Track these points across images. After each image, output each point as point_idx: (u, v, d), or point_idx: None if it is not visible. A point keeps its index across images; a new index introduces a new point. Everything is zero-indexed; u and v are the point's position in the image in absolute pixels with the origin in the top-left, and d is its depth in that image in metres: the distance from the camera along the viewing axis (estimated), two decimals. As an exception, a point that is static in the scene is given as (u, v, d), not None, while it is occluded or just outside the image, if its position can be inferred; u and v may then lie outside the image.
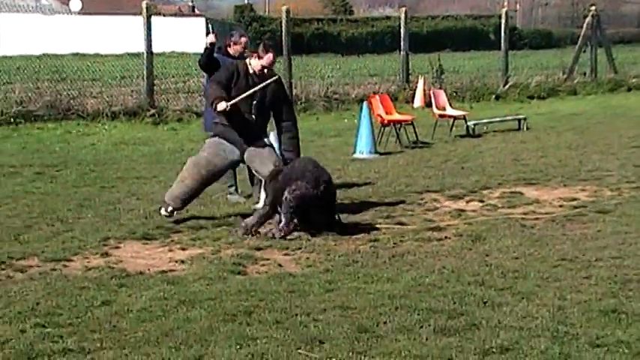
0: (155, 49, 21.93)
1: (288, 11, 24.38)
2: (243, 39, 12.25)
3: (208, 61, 11.93)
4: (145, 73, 21.64)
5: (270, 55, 10.69)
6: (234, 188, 12.38)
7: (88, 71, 26.55)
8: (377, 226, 10.51)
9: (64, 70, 25.08)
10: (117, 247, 9.55)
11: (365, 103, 17.32)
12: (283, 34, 24.05)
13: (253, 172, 11.20)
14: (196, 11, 73.42)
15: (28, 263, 8.82)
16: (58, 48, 47.04)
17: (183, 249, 9.50)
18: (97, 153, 16.82)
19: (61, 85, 22.42)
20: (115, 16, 57.54)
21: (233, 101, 10.40)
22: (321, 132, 19.88)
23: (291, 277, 8.30)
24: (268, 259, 9.03)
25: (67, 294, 7.74)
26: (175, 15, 64.25)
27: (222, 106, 10.30)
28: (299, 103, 23.53)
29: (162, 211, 10.73)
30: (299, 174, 10.15)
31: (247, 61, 10.85)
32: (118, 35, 50.66)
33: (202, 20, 58.57)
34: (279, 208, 10.06)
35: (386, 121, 17.92)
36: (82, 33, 53.77)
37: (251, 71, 10.71)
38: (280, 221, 10.01)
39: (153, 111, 21.12)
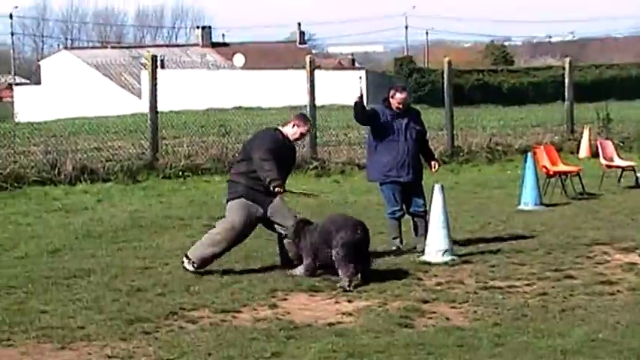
0: (317, 102, 22.23)
1: (449, 62, 24.39)
2: (398, 95, 12.26)
3: (360, 115, 12.21)
4: (308, 126, 21.89)
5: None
6: (398, 240, 12.34)
7: (251, 125, 27.06)
8: (545, 279, 10.31)
9: (228, 123, 25.65)
10: (284, 299, 9.64)
11: (529, 154, 17.09)
12: (445, 84, 24.06)
13: (275, 226, 11.10)
14: (356, 64, 74.31)
15: (199, 314, 9.00)
16: (222, 102, 48.28)
17: (349, 301, 9.53)
18: (263, 205, 17.06)
19: (226, 139, 22.91)
20: (275, 70, 58.77)
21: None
22: (484, 183, 19.71)
23: (459, 331, 8.22)
24: (435, 312, 8.97)
25: (237, 345, 7.86)
26: (336, 68, 65.09)
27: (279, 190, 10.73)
28: (460, 154, 23.43)
29: (189, 267, 10.76)
30: (338, 225, 10.40)
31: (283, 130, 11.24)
32: (278, 89, 51.65)
33: (362, 73, 59.22)
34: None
35: (551, 172, 17.64)
36: (244, 87, 55.01)
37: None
38: (339, 275, 10.12)
39: (316, 163, 21.38)
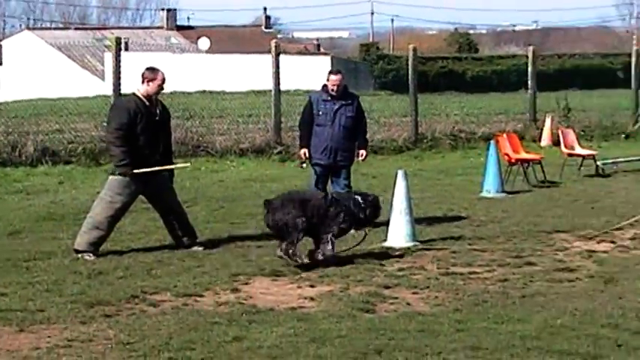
0: (281, 87, 22.21)
1: (414, 49, 24.43)
2: (332, 76, 12.60)
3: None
4: (272, 110, 21.93)
5: None
6: None
7: (215, 109, 27.02)
8: (505, 265, 10.39)
9: (192, 107, 25.57)
10: (246, 283, 9.65)
11: (492, 142, 17.17)
12: (410, 71, 24.09)
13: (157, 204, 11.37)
14: (322, 49, 74.21)
15: (160, 298, 9.00)
16: (186, 86, 48.03)
17: (312, 286, 9.56)
18: (226, 189, 17.06)
19: (190, 123, 22.85)
20: (240, 54, 58.55)
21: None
22: (447, 170, 19.79)
23: (421, 317, 8.28)
24: (397, 298, 9.02)
25: (199, 329, 7.86)
26: (301, 53, 64.97)
27: None
28: (424, 141, 23.49)
29: (88, 258, 10.67)
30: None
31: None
32: (243, 73, 51.50)
33: (328, 59, 59.15)
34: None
35: (513, 160, 17.74)
36: (209, 71, 54.79)
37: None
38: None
39: (280, 148, 21.36)
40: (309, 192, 11.74)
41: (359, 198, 10.86)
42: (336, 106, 12.52)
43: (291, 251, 10.26)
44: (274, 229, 10.55)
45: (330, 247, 10.43)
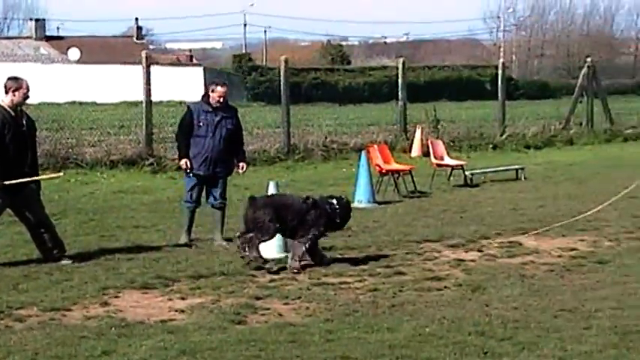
0: (153, 98, 22.04)
1: (286, 61, 24.54)
2: (219, 88, 12.52)
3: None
4: (143, 122, 21.73)
5: None
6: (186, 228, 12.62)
7: (86, 120, 26.64)
8: (376, 275, 10.50)
9: (62, 118, 25.12)
10: (116, 297, 9.53)
11: (363, 153, 17.36)
12: (282, 83, 24.18)
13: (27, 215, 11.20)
14: (194, 60, 73.88)
15: (27, 313, 8.80)
16: (56, 97, 47.22)
17: (182, 298, 9.49)
18: (96, 202, 16.82)
19: (60, 134, 22.45)
20: (111, 65, 57.85)
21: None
22: (319, 181, 19.90)
23: (292, 327, 8.30)
24: (268, 309, 9.02)
25: (66, 344, 7.72)
26: (173, 64, 64.58)
27: None
28: (297, 152, 23.59)
29: None
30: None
31: None
32: (114, 84, 50.94)
33: (200, 70, 58.94)
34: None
35: (384, 171, 17.97)
36: (79, 82, 54.01)
37: None
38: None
39: (151, 160, 21.16)
40: (291, 196, 12.02)
41: (334, 202, 11.30)
42: (218, 118, 12.44)
43: (247, 246, 10.81)
44: (249, 224, 10.98)
45: (302, 249, 10.86)
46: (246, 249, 10.84)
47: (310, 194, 12.15)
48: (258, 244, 10.86)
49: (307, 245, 10.89)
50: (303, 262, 10.84)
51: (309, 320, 8.59)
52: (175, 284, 10.07)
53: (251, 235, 10.87)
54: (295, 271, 10.62)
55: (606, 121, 31.67)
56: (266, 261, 10.89)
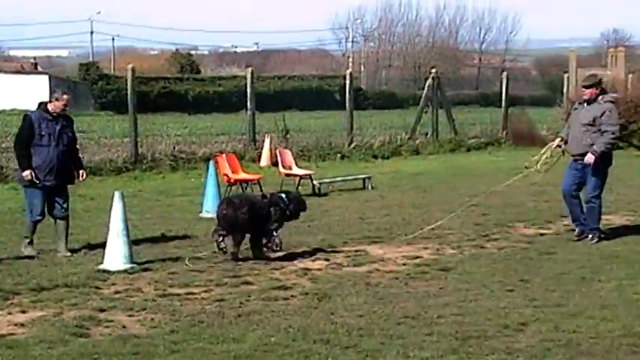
0: (-4, 107, 21.48)
1: (133, 69, 24.25)
2: (65, 96, 12.46)
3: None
4: (-15, 131, 21.13)
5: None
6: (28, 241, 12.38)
7: None
8: (223, 285, 10.47)
9: None
10: (-47, 311, 9.23)
11: (211, 162, 17.29)
12: (129, 92, 23.89)
13: None
14: (39, 68, 72.29)
15: None
16: None
17: (23, 312, 9.25)
18: None
19: None
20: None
21: None
22: (167, 191, 19.73)
23: (136, 339, 8.19)
24: (112, 321, 8.88)
25: None
26: (17, 72, 63.08)
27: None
28: (144, 162, 23.33)
29: None
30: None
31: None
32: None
33: (46, 78, 57.71)
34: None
35: (232, 180, 17.94)
36: None
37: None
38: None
39: (-7, 170, 20.60)
40: (254, 195, 13.45)
41: (283, 195, 12.51)
42: (59, 126, 12.28)
43: (224, 242, 11.88)
44: (224, 221, 11.93)
45: (277, 241, 12.29)
46: (225, 243, 11.90)
47: (265, 192, 13.41)
48: (240, 240, 11.89)
49: (278, 237, 12.30)
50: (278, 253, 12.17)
51: (154, 332, 8.50)
52: (16, 297, 9.81)
53: (224, 232, 11.96)
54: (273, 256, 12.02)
55: (451, 132, 32.42)
56: (238, 260, 11.77)
